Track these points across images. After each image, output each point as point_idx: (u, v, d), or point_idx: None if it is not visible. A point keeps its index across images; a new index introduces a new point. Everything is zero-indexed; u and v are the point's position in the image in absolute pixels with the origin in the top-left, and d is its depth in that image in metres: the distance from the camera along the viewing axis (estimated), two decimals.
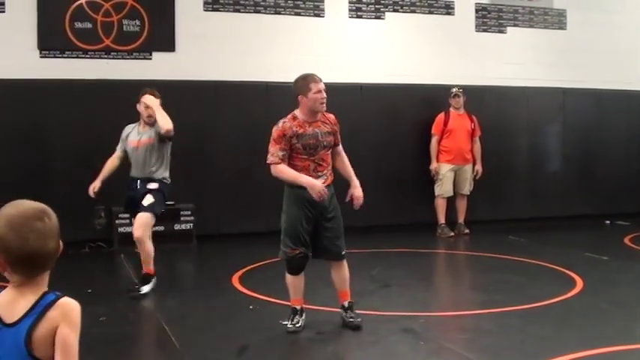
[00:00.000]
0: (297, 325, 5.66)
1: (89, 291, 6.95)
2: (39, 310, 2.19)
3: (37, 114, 9.31)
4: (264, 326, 5.90)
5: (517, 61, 11.49)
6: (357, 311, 5.93)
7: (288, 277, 5.74)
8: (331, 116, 5.88)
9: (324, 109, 5.72)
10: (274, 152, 5.62)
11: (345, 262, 5.86)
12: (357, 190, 5.83)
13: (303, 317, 5.73)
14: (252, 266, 8.29)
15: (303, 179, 5.52)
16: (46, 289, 2.26)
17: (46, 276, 2.28)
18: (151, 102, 6.97)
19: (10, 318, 2.19)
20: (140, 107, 7.08)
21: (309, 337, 5.64)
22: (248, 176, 10.22)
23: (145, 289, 6.89)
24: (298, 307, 5.74)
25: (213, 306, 6.68)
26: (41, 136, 9.37)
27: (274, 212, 10.30)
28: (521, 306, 6.43)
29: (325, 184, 5.63)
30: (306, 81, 5.69)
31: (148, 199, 6.91)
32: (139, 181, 7.06)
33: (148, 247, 6.92)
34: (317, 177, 5.60)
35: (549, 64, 11.70)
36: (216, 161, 10.17)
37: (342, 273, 5.86)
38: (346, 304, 5.86)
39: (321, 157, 5.67)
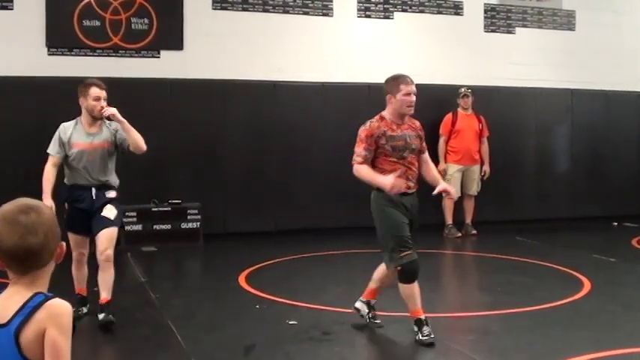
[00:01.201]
0: (432, 336, 5.34)
1: (95, 289, 6.94)
2: (27, 312, 2.14)
3: (45, 111, 9.28)
4: (271, 326, 5.90)
5: (525, 61, 11.46)
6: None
7: (406, 288, 5.39)
8: (417, 122, 5.66)
9: (411, 112, 5.49)
10: (359, 152, 5.40)
11: None
12: (446, 185, 5.78)
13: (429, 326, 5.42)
14: (259, 265, 8.28)
15: (379, 179, 5.29)
16: (40, 289, 2.20)
17: (40, 276, 2.22)
18: (117, 117, 5.85)
19: (3, 318, 2.15)
20: (88, 101, 5.90)
21: (315, 337, 5.62)
22: (256, 175, 10.23)
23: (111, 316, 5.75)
24: (423, 317, 5.43)
25: (219, 305, 6.67)
26: (49, 134, 9.33)
27: (282, 211, 10.40)
28: (529, 307, 6.41)
29: (413, 190, 5.47)
30: (396, 81, 5.44)
31: (112, 211, 5.88)
32: (93, 190, 5.91)
33: (113, 270, 5.89)
34: (407, 180, 5.39)
35: (558, 64, 11.66)
36: (224, 160, 10.16)
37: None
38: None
39: (409, 161, 5.44)
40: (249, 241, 9.77)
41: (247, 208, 10.28)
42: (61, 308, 2.17)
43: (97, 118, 5.95)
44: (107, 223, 5.84)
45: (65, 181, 6.02)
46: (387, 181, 5.18)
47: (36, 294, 2.19)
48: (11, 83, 9.12)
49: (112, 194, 6.00)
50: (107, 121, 5.97)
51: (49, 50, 9.41)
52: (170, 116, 9.70)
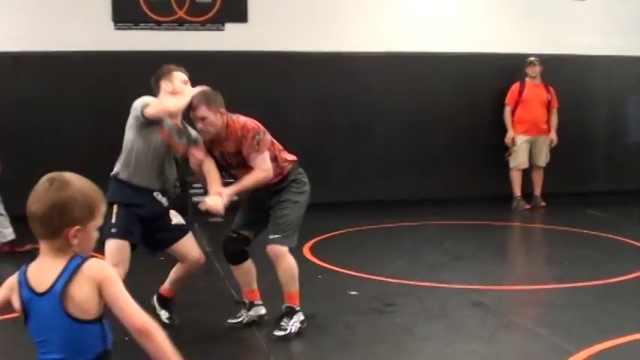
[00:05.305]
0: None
1: (161, 258, 7.05)
2: (68, 274, 2.25)
3: (113, 85, 9.44)
4: (332, 296, 5.91)
5: (596, 29, 11.03)
6: (427, 284, 5.85)
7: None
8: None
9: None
10: None
11: None
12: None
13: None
14: (323, 237, 8.27)
15: None
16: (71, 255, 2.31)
17: (63, 248, 2.29)
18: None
19: (41, 287, 2.26)
20: (175, 83, 5.16)
21: (376, 308, 5.62)
22: (321, 146, 10.19)
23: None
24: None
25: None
26: (116, 108, 9.50)
27: (347, 182, 10.38)
28: (597, 281, 6.27)
29: None
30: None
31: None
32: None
33: None
34: None
35: (630, 32, 11.20)
36: (288, 131, 10.08)
37: None
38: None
39: None
40: (315, 213, 9.60)
41: (313, 179, 10.09)
42: (102, 266, 2.31)
43: None
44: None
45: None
46: None
47: (72, 257, 2.28)
48: (80, 58, 9.27)
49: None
50: None
51: (115, 25, 9.52)
52: (235, 89, 9.69)
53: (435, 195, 10.43)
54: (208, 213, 5.04)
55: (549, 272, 7.02)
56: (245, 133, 5.01)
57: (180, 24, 9.73)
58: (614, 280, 6.31)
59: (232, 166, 5.18)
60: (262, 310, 5.33)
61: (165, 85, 5.13)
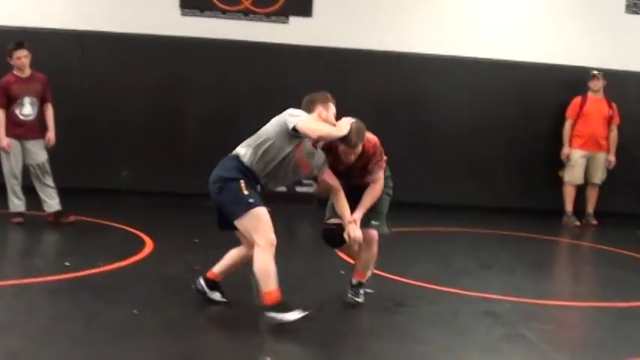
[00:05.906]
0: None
1: (196, 240, 7.28)
2: None
3: (176, 70, 9.77)
4: (347, 292, 5.97)
5: None
6: (445, 289, 5.86)
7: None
8: None
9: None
10: None
11: None
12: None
13: None
14: None
15: None
16: None
17: None
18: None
19: None
20: (330, 113, 5.36)
21: (386, 307, 5.68)
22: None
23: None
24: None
25: (307, 267, 6.83)
26: (176, 91, 9.83)
27: (397, 183, 10.34)
28: (620, 303, 6.16)
29: None
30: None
31: None
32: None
33: None
34: None
35: None
36: None
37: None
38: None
39: None
40: None
41: None
42: None
43: None
44: None
45: None
46: None
47: None
48: (146, 41, 9.64)
49: None
50: None
51: (182, 11, 9.81)
52: (293, 82, 9.85)
53: (484, 203, 10.41)
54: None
55: (576, 289, 6.95)
56: (375, 151, 5.50)
57: (245, 14, 9.96)
58: (638, 303, 6.20)
59: (352, 177, 5.52)
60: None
61: (322, 111, 5.30)
